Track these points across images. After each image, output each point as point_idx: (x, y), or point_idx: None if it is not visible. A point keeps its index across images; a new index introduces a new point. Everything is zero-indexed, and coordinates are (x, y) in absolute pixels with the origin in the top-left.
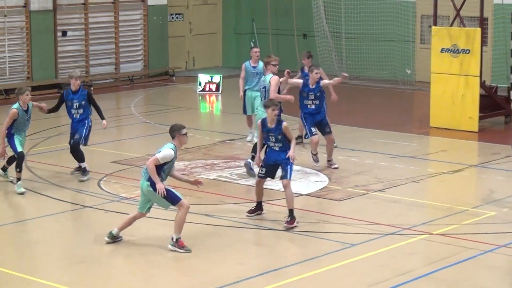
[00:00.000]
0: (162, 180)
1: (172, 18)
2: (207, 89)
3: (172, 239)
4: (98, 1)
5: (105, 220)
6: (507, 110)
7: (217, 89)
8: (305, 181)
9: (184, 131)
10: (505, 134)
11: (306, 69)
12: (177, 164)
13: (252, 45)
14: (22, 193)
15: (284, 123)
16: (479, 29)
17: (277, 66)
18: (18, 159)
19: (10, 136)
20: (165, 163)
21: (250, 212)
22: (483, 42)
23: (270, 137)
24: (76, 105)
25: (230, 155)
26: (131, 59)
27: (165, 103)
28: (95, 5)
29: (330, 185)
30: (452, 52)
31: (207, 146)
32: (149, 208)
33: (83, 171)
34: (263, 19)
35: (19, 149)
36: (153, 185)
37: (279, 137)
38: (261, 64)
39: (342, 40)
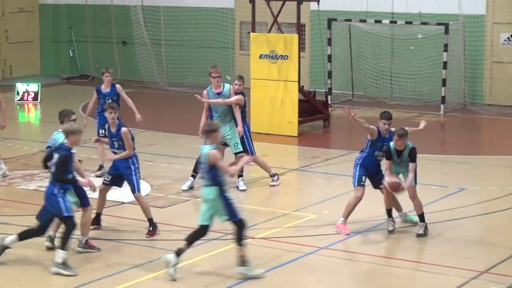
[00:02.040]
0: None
1: None
2: (25, 98)
3: (81, 242)
4: None
5: None
6: (325, 115)
7: (35, 98)
8: (127, 189)
9: (73, 116)
10: (324, 137)
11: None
12: None
13: (71, 53)
14: None
15: (124, 129)
16: (296, 35)
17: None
18: None
19: None
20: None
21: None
22: (301, 48)
23: (114, 143)
24: None
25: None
26: None
27: None
28: None
29: (153, 192)
30: (270, 58)
31: (26, 156)
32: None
33: None
34: (82, 26)
35: None
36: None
37: (120, 143)
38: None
39: (162, 47)
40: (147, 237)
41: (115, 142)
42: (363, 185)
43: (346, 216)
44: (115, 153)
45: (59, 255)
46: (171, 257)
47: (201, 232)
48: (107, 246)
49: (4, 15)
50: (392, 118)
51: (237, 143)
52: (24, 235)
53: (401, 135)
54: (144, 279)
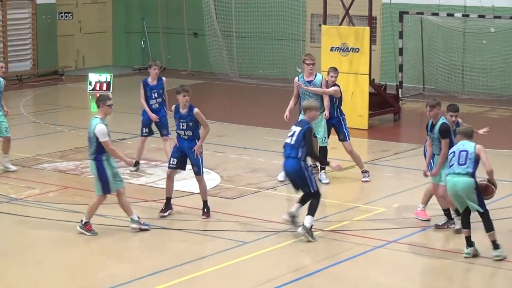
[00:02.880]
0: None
1: (61, 16)
2: (97, 88)
3: (81, 221)
4: None
5: None
6: (396, 108)
7: (108, 88)
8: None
9: (109, 102)
10: (394, 131)
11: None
12: (68, 165)
13: (143, 44)
14: None
15: (196, 109)
16: (368, 28)
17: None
18: None
19: None
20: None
21: (162, 211)
22: (372, 41)
23: (182, 123)
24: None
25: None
26: (20, 58)
27: (55, 103)
28: None
29: (223, 183)
30: (341, 51)
31: None
32: None
33: None
34: (154, 18)
35: None
36: (99, 165)
37: (191, 123)
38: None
39: (233, 39)
40: (203, 218)
41: (183, 123)
42: None
43: (425, 203)
44: (179, 134)
45: (308, 220)
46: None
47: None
48: (175, 235)
49: (77, 5)
50: (459, 111)
51: (324, 137)
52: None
53: (432, 105)
54: (208, 271)
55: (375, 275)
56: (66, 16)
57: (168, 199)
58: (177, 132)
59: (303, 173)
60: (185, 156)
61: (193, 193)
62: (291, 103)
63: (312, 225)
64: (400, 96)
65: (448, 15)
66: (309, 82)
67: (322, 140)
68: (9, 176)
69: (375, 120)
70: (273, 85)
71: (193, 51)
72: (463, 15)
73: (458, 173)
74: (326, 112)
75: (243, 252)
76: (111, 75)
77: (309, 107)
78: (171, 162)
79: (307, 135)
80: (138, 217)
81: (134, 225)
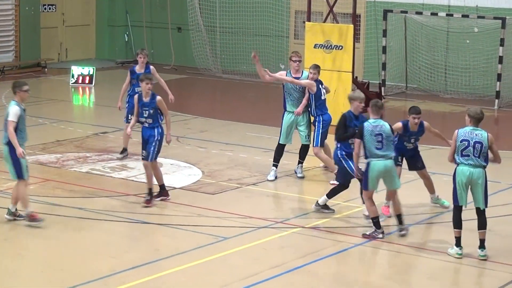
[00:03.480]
0: (23, 140)
1: (45, 8)
2: (80, 81)
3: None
4: None
5: None
6: None
7: (90, 81)
8: (178, 174)
9: (25, 87)
10: None
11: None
12: (49, 157)
13: (126, 38)
14: None
15: (159, 96)
16: (351, 26)
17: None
18: None
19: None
20: (18, 122)
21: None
22: (356, 38)
23: (144, 111)
24: None
25: (103, 148)
26: (2, 49)
27: (37, 95)
28: None
29: (204, 178)
30: (325, 48)
31: (80, 139)
32: None
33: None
34: (138, 11)
35: None
36: (11, 150)
37: (152, 111)
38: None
39: (217, 34)
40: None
41: (146, 111)
42: (399, 165)
43: (389, 199)
44: (142, 122)
45: (322, 198)
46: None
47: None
48: (155, 229)
49: None
50: (421, 113)
51: (308, 135)
52: (331, 194)
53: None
54: (188, 266)
55: (356, 273)
56: (50, 8)
57: (162, 186)
58: (139, 121)
59: (337, 163)
60: (146, 141)
61: (174, 188)
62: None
63: (325, 204)
64: (382, 94)
65: (432, 14)
66: (297, 78)
67: (305, 138)
68: None
69: None
70: (256, 81)
71: (176, 45)
72: (447, 15)
73: (474, 165)
74: (299, 109)
75: (223, 248)
76: (94, 68)
77: (351, 98)
78: (142, 154)
79: (339, 121)
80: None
81: (8, 216)
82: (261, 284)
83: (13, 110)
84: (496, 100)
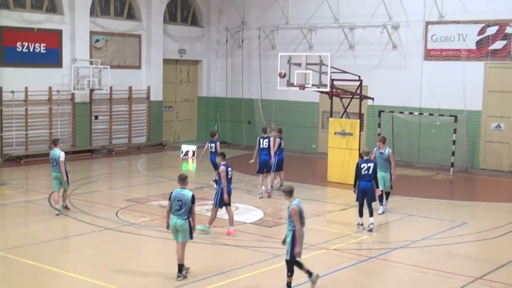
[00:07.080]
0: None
1: (165, 109)
2: (187, 155)
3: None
4: (118, 97)
5: (119, 237)
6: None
7: (193, 155)
8: (247, 214)
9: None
10: None
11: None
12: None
13: (216, 128)
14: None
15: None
16: (358, 120)
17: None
18: None
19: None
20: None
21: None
22: (361, 128)
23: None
24: None
25: (201, 197)
26: (139, 134)
27: (160, 163)
28: (116, 99)
29: (265, 217)
30: (341, 135)
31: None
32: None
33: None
34: (223, 110)
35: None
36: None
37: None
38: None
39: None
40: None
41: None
42: None
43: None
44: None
45: (371, 219)
46: None
47: None
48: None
49: (176, 102)
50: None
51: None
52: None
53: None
54: (254, 273)
55: (366, 281)
56: (168, 109)
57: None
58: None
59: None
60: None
61: (245, 223)
62: None
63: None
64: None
65: (410, 113)
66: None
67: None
68: (130, 209)
69: None
70: (297, 155)
71: (247, 132)
72: (419, 113)
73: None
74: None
75: (276, 262)
76: (196, 146)
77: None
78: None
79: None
80: None
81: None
82: (301, 285)
83: (62, 155)
84: (451, 168)
